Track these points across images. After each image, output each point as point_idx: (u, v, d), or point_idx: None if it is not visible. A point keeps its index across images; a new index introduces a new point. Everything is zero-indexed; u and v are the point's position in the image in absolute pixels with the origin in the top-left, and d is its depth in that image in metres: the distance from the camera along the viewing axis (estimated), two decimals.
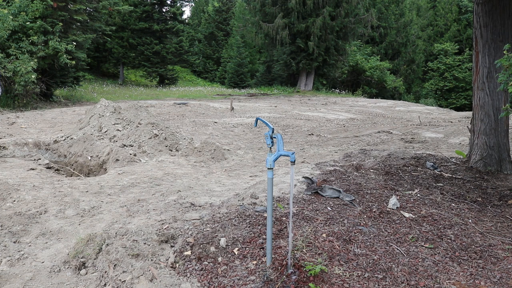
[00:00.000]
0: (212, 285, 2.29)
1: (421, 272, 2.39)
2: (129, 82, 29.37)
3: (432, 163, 4.72)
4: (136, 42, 27.89)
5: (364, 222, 3.03)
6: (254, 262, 2.47)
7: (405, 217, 3.17)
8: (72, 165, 5.98)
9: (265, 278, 2.27)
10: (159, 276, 2.36)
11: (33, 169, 5.05)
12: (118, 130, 6.97)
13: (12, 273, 2.51)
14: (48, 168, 5.61)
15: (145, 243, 2.72)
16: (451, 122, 11.58)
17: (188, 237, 2.79)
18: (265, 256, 2.45)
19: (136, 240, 2.76)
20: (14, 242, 2.89)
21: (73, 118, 10.10)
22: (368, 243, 2.70)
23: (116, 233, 2.90)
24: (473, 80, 4.71)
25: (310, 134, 9.23)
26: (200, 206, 3.61)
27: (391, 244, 2.71)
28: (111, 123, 7.15)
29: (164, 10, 30.62)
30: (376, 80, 29.59)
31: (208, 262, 2.50)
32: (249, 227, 2.92)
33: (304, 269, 2.29)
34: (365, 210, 3.27)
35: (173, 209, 3.55)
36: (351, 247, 2.62)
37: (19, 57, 12.25)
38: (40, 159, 5.86)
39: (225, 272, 2.40)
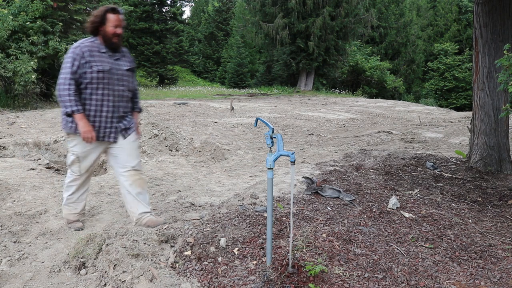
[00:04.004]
0: (212, 285, 2.29)
1: (421, 272, 2.39)
2: None
3: (432, 163, 4.72)
4: (136, 42, 27.88)
5: (364, 222, 3.03)
6: (254, 262, 2.47)
7: (405, 217, 3.17)
8: None
9: (265, 278, 2.27)
10: (159, 276, 2.37)
11: (33, 169, 5.05)
12: None
13: (12, 273, 2.51)
14: (48, 168, 5.61)
15: (145, 243, 2.72)
16: (451, 122, 11.58)
17: (188, 237, 2.79)
18: (265, 256, 2.45)
19: (136, 240, 2.76)
20: (14, 242, 2.89)
21: None
22: (368, 243, 2.70)
23: (116, 233, 2.90)
24: (473, 80, 4.71)
25: (310, 134, 9.23)
26: (200, 206, 3.61)
27: (391, 244, 2.71)
28: None
29: (164, 10, 30.62)
30: (376, 80, 29.58)
31: (208, 262, 2.50)
32: (249, 227, 2.92)
33: (304, 269, 2.29)
34: (365, 210, 3.27)
35: (173, 209, 3.55)
36: (351, 247, 2.62)
37: (19, 57, 12.24)
38: (40, 159, 5.86)
39: (225, 272, 2.40)
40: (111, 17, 2.89)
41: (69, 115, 2.86)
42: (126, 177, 3.05)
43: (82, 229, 3.12)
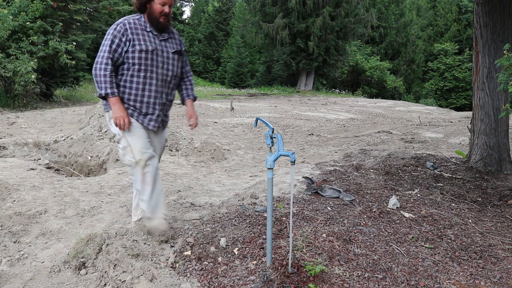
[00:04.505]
0: (212, 285, 2.29)
1: (421, 272, 2.39)
2: None
3: (432, 163, 4.72)
4: None
5: (364, 222, 3.03)
6: (254, 262, 2.47)
7: (405, 217, 3.17)
8: (72, 165, 5.98)
9: (265, 278, 2.27)
10: (159, 276, 2.37)
11: (33, 169, 5.05)
12: None
13: (12, 273, 2.51)
14: (48, 168, 5.61)
15: (145, 243, 2.72)
16: (451, 122, 11.58)
17: (188, 237, 2.79)
18: (265, 256, 2.45)
19: (136, 240, 2.76)
20: (14, 242, 2.89)
21: (73, 118, 10.10)
22: (368, 243, 2.70)
23: (116, 233, 2.90)
24: (473, 80, 4.71)
25: (310, 134, 9.23)
26: (200, 206, 3.61)
27: (391, 244, 2.71)
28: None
29: None
30: (376, 80, 29.59)
31: (208, 262, 2.50)
32: (249, 227, 2.92)
33: (304, 269, 2.29)
34: (365, 210, 3.27)
35: (173, 209, 3.55)
36: (351, 247, 2.62)
37: (19, 57, 12.24)
38: (40, 159, 5.86)
39: (225, 272, 2.40)
40: None
41: (104, 97, 2.62)
42: None
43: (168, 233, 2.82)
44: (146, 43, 2.64)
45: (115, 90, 2.62)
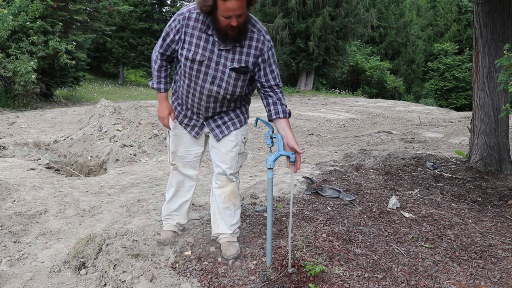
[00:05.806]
0: (212, 285, 2.29)
1: (421, 272, 2.39)
2: (129, 82, 29.36)
3: (432, 163, 4.72)
4: (136, 42, 27.86)
5: (364, 222, 3.03)
6: (254, 262, 2.47)
7: (405, 217, 3.17)
8: (72, 165, 5.98)
9: (265, 278, 2.27)
10: (159, 276, 2.37)
11: (33, 169, 5.05)
12: (118, 130, 6.97)
13: (12, 273, 2.51)
14: (48, 168, 5.61)
15: (145, 243, 2.73)
16: (451, 122, 11.58)
17: (188, 237, 2.80)
18: (265, 256, 2.45)
19: (136, 240, 2.76)
20: (14, 242, 2.89)
21: (73, 118, 10.10)
22: (368, 243, 2.70)
23: (116, 233, 2.90)
24: (473, 80, 4.71)
25: (310, 134, 9.23)
26: (200, 206, 3.61)
27: (391, 244, 2.71)
28: (111, 123, 7.16)
29: (164, 10, 30.62)
30: (376, 80, 29.57)
31: (208, 262, 2.50)
32: (249, 227, 2.93)
33: (304, 269, 2.29)
34: (365, 210, 3.27)
35: None
36: (351, 247, 2.63)
37: (19, 57, 12.24)
38: (40, 159, 5.86)
39: (225, 272, 2.40)
40: (221, 4, 2.00)
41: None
42: (217, 184, 2.52)
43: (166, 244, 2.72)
44: (198, 49, 2.19)
45: (162, 86, 2.42)
